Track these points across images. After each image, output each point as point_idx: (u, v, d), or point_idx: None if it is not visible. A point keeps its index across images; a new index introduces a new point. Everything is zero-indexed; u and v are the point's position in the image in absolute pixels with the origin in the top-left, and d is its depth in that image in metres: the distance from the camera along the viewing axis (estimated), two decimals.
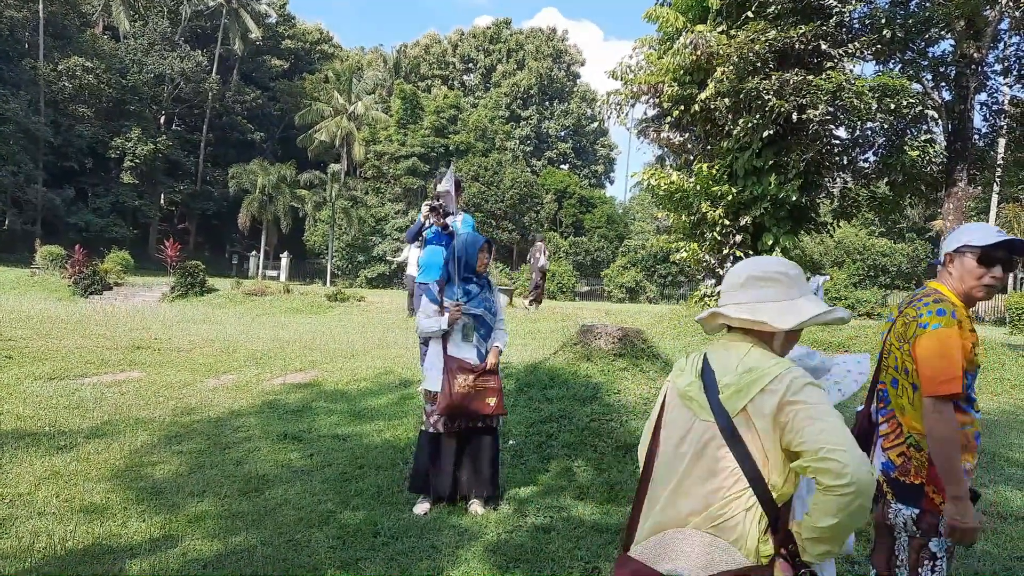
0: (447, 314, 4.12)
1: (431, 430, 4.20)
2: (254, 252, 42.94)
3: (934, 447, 2.17)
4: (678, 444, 1.75)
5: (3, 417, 6.01)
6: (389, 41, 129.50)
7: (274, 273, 39.44)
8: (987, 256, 2.33)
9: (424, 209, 5.82)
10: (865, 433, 2.49)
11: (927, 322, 2.23)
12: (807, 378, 1.63)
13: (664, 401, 1.87)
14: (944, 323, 2.21)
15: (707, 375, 1.75)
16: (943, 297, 2.33)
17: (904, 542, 2.28)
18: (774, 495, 1.63)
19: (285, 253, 39.03)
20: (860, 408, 2.58)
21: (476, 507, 4.15)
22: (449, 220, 5.81)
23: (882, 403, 2.44)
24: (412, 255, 11.92)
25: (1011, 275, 35.42)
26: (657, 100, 15.76)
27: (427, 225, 5.90)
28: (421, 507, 4.14)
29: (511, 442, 5.23)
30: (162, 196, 45.30)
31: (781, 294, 1.77)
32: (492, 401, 4.13)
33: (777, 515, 1.64)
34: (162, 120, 46.56)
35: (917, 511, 2.24)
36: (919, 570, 2.23)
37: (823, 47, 12.94)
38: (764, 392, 1.62)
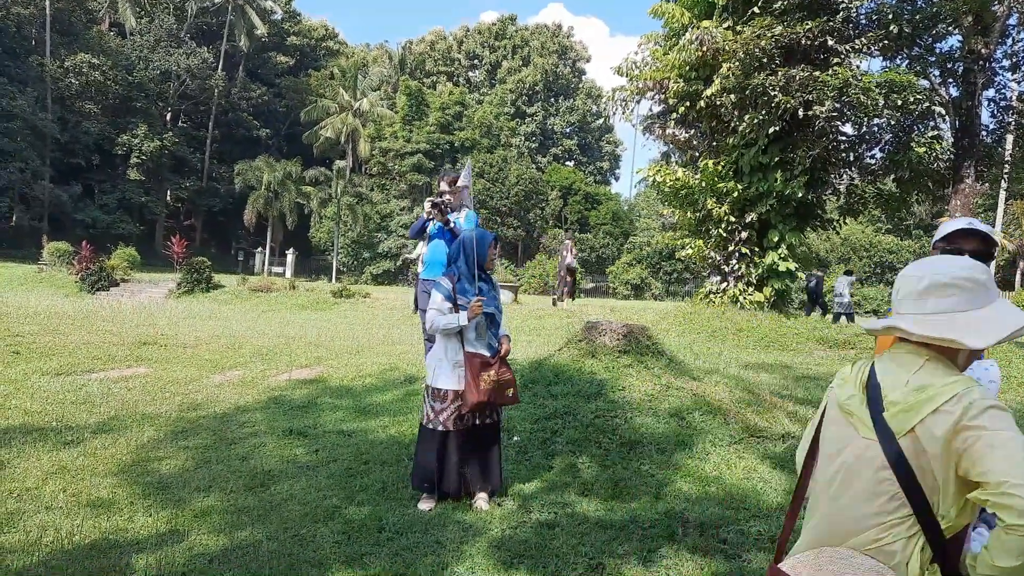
0: (464, 311, 4.09)
1: (440, 428, 4.15)
2: (260, 249, 43.07)
3: None
4: (836, 459, 1.62)
5: (11, 412, 6.04)
6: (394, 37, 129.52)
7: (280, 270, 39.54)
8: (948, 250, 2.31)
9: (427, 205, 5.80)
10: None
11: None
12: (990, 400, 1.44)
13: (824, 410, 1.72)
14: None
15: (872, 389, 1.58)
16: None
17: None
18: (943, 525, 1.46)
19: (291, 250, 39.12)
20: None
21: (481, 502, 4.15)
22: (452, 216, 5.81)
23: None
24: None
25: (1017, 272, 35.21)
26: (663, 96, 15.74)
27: (431, 220, 5.89)
28: (426, 503, 4.14)
29: (515, 438, 5.23)
30: (168, 193, 45.45)
31: (969, 302, 1.53)
32: (510, 392, 4.17)
33: (944, 547, 1.47)
34: (168, 117, 46.69)
35: None
36: None
37: (830, 43, 12.90)
38: (937, 412, 1.44)
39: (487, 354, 4.16)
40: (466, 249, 4.23)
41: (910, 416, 1.48)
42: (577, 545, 3.59)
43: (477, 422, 4.18)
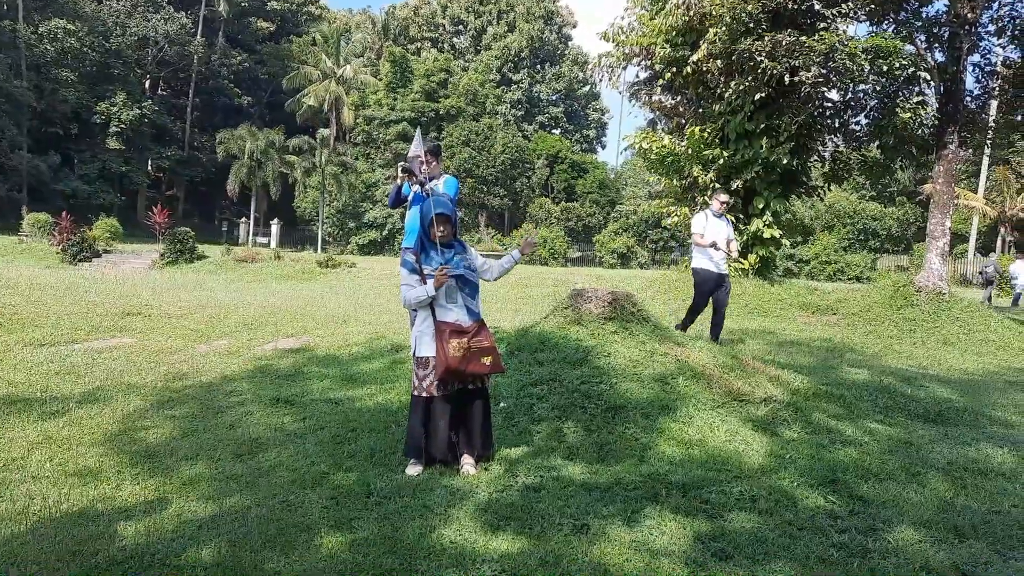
0: (431, 281, 4.09)
1: (424, 394, 4.20)
2: (244, 219, 42.64)
3: None
4: None
5: None
6: (377, 2, 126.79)
7: (264, 240, 39.24)
8: None
9: (398, 171, 5.62)
10: None
11: None
12: None
13: None
14: None
15: None
16: None
17: None
18: None
19: (275, 220, 38.81)
20: None
21: (468, 467, 4.20)
22: (431, 184, 5.63)
23: None
24: None
25: (998, 238, 35.55)
26: (649, 62, 15.60)
27: (411, 187, 5.73)
28: (413, 468, 4.18)
29: (502, 404, 5.27)
30: (149, 162, 44.74)
31: None
32: (488, 360, 4.11)
33: None
34: (147, 85, 45.77)
35: None
36: None
37: (816, 7, 12.82)
38: None
39: (462, 320, 4.16)
40: (424, 218, 4.22)
41: None
42: (563, 507, 3.65)
43: (460, 387, 4.19)
